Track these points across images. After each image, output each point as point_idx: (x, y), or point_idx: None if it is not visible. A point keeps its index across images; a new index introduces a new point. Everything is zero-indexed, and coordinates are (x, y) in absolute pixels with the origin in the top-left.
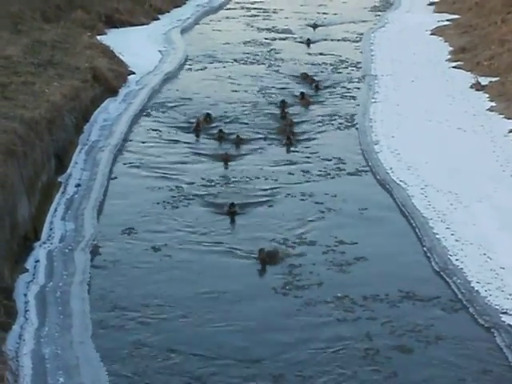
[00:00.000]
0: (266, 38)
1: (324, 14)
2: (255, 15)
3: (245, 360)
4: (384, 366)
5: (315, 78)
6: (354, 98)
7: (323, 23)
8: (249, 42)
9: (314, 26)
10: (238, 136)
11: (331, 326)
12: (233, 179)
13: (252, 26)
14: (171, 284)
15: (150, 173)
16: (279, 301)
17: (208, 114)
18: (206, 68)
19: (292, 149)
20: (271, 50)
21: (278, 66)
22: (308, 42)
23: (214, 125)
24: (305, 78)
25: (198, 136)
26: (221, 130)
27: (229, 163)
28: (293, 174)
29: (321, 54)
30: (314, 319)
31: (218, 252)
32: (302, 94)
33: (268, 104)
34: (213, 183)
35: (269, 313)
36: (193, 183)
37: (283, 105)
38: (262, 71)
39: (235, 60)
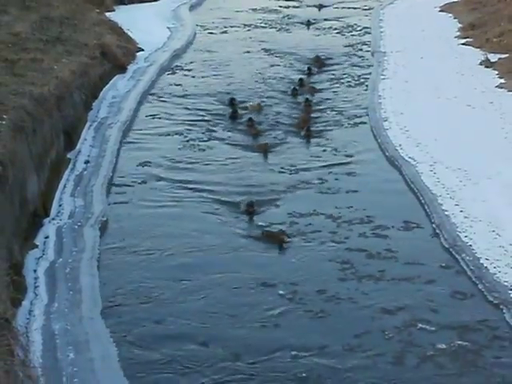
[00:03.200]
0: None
1: None
2: None
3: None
4: None
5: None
6: (363, 74)
7: (330, 3)
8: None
9: (320, 7)
10: (250, 119)
11: None
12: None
13: None
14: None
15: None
16: None
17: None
18: (214, 44)
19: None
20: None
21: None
22: (308, 24)
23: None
24: (316, 61)
25: (234, 120)
26: (250, 119)
27: (268, 154)
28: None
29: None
30: None
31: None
32: (300, 80)
33: (280, 85)
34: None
35: None
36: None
37: (296, 92)
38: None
39: (246, 26)
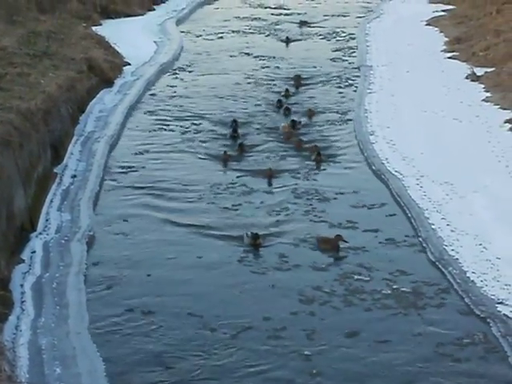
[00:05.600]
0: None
1: None
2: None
3: None
4: None
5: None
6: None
7: (311, 19)
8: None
9: (301, 24)
10: (241, 145)
11: None
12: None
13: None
14: None
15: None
16: None
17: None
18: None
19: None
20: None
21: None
22: (287, 41)
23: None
24: (296, 80)
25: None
26: (241, 144)
27: (272, 180)
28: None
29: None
30: None
31: None
32: (279, 101)
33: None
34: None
35: None
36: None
37: (288, 111)
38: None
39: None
